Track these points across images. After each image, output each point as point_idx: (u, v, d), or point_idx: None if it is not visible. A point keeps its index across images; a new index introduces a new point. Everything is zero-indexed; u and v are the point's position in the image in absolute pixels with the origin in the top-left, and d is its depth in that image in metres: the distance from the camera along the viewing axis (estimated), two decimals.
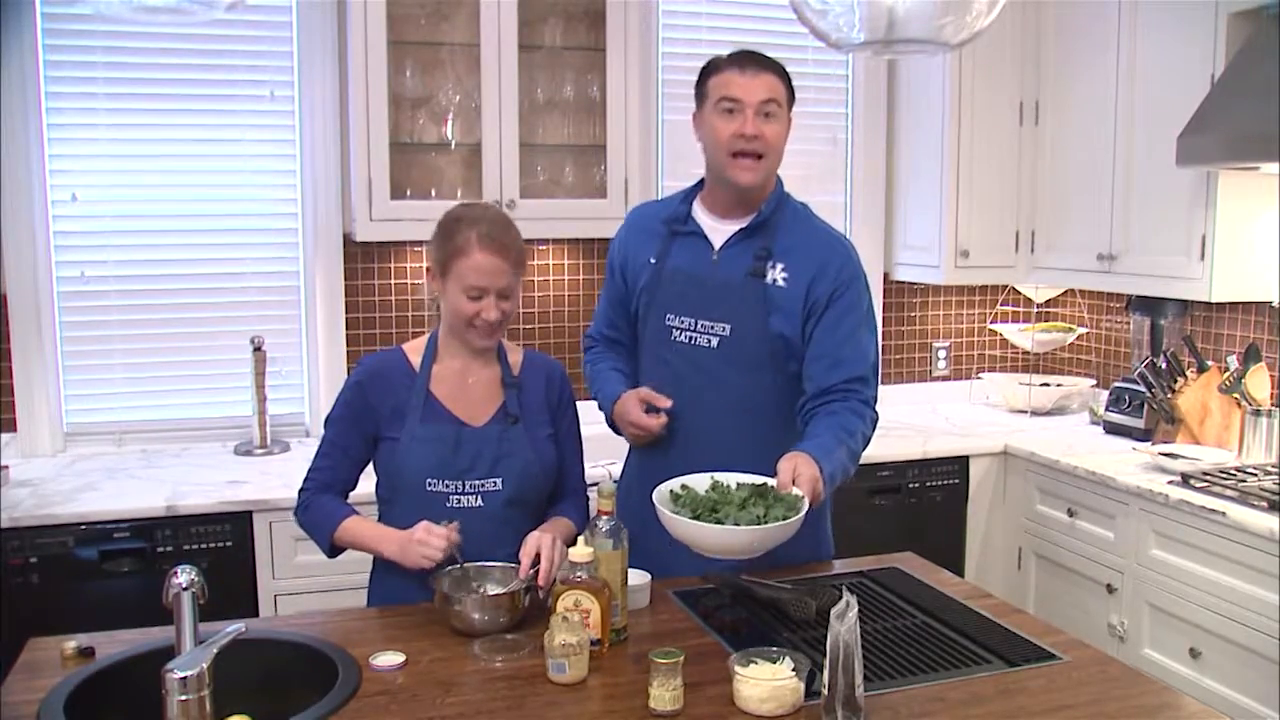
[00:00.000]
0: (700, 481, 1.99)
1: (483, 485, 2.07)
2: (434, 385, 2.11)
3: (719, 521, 1.85)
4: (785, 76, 2.18)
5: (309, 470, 2.14)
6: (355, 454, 2.13)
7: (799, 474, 1.93)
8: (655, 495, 1.95)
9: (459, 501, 2.06)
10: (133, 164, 3.32)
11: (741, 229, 2.22)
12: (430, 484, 2.06)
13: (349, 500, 2.15)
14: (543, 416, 2.16)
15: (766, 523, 1.84)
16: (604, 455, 2.65)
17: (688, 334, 2.22)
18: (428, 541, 1.95)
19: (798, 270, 2.18)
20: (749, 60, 2.15)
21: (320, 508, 2.11)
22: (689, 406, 2.23)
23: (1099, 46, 3.47)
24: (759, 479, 1.98)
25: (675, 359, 2.25)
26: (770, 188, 2.23)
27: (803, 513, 1.88)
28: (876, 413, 2.20)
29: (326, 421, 2.15)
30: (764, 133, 2.13)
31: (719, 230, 2.24)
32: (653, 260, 2.28)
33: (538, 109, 3.41)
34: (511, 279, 2.04)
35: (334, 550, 2.12)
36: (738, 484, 1.97)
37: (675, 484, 1.99)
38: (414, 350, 2.15)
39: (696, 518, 1.87)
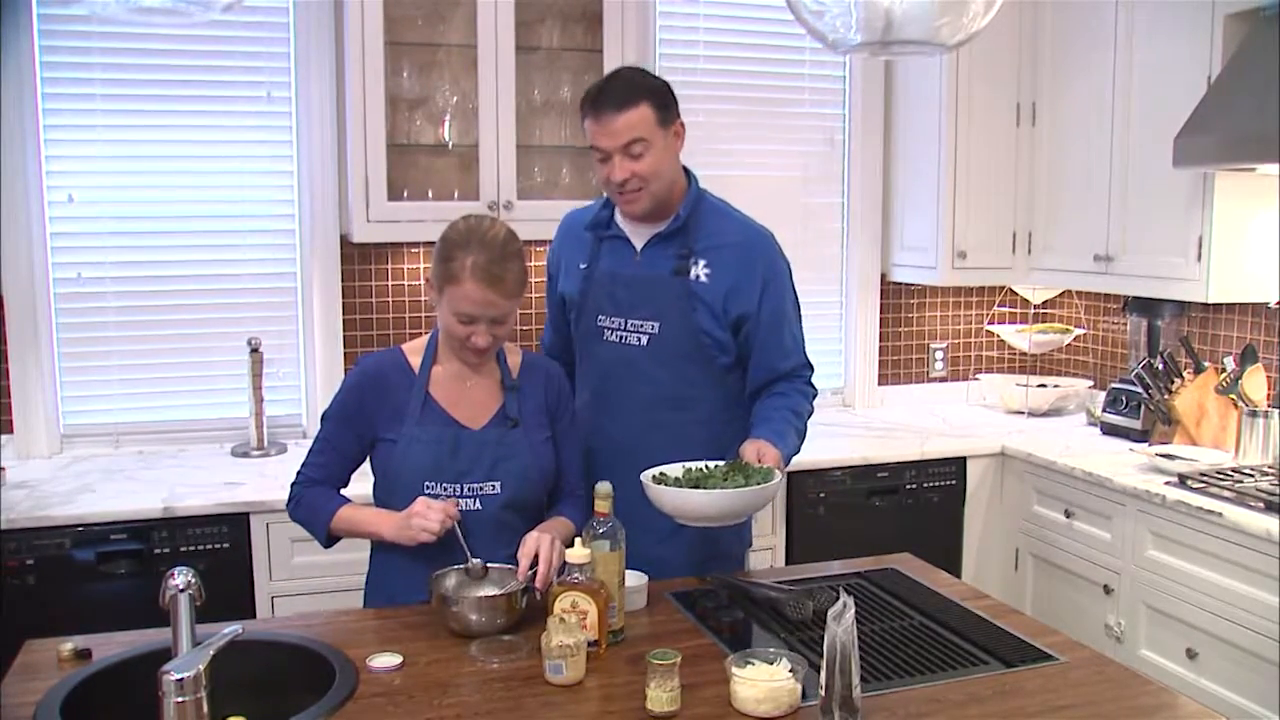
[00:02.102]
0: (674, 469, 2.10)
1: (481, 488, 2.07)
2: (433, 387, 2.10)
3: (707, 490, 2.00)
4: (651, 98, 2.17)
5: (302, 465, 2.15)
6: (349, 453, 2.13)
7: (763, 453, 2.09)
8: (641, 477, 2.03)
9: (457, 505, 2.06)
10: (130, 165, 3.32)
11: (660, 232, 2.28)
12: (428, 486, 2.05)
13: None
14: (541, 419, 2.16)
15: (750, 486, 2.00)
16: None
17: (618, 333, 2.30)
18: (426, 515, 1.95)
19: (719, 269, 2.26)
20: (604, 103, 2.16)
21: (314, 499, 2.11)
22: (620, 404, 2.32)
23: (1096, 47, 3.47)
24: (730, 460, 2.12)
25: (606, 357, 2.33)
26: (679, 192, 2.28)
27: (777, 480, 2.03)
28: (815, 388, 2.39)
29: (323, 417, 2.15)
30: (635, 170, 2.17)
31: (639, 233, 2.32)
32: (583, 265, 2.37)
33: (535, 110, 3.41)
34: (505, 308, 2.02)
35: (330, 540, 2.12)
36: (712, 465, 2.11)
37: (653, 471, 2.07)
38: (413, 351, 2.14)
39: None
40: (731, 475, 2.04)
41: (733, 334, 2.28)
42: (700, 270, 2.25)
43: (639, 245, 2.31)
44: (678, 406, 2.29)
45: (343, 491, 2.16)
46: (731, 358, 2.30)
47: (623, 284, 2.31)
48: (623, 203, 2.25)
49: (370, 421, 2.09)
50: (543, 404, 2.17)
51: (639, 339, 2.28)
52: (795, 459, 2.32)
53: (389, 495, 2.10)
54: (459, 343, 2.05)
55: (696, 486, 2.01)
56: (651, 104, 2.17)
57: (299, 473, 2.15)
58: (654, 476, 2.05)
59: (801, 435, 2.29)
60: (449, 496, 2.05)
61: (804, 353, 2.36)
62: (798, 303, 2.36)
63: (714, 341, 2.27)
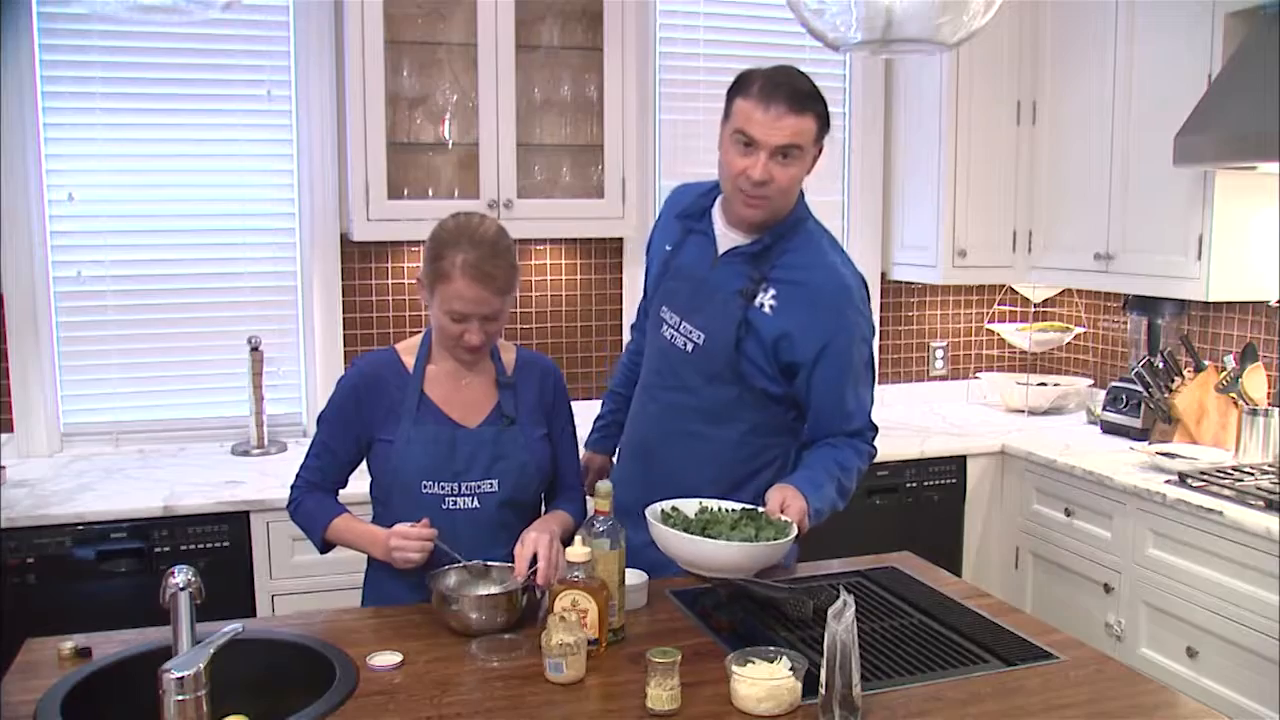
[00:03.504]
0: (689, 505, 2.03)
1: (479, 487, 2.07)
2: (428, 386, 2.10)
3: (712, 539, 1.90)
4: (819, 112, 2.02)
5: (300, 468, 2.15)
6: (345, 456, 2.13)
7: (788, 504, 1.98)
8: (647, 513, 1.97)
9: (454, 503, 2.06)
10: (130, 164, 3.32)
11: (743, 246, 2.16)
12: (425, 486, 2.05)
13: (341, 498, 2.15)
14: (537, 416, 2.16)
15: (758, 542, 1.90)
16: None
17: (671, 331, 2.22)
18: (404, 547, 1.94)
19: (785, 306, 2.11)
20: (776, 97, 1.98)
21: (311, 506, 2.11)
22: (656, 402, 2.27)
23: (1096, 46, 3.47)
24: (747, 506, 2.04)
25: (657, 352, 2.28)
26: (784, 212, 2.13)
27: (791, 536, 1.93)
28: (875, 448, 2.23)
29: (318, 420, 2.15)
30: (775, 176, 2.02)
31: (727, 237, 2.19)
32: (668, 249, 2.29)
33: (535, 109, 3.41)
34: (497, 305, 2.00)
35: (326, 546, 2.12)
36: (727, 508, 2.03)
37: (665, 505, 2.02)
38: (407, 350, 2.14)
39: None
40: (742, 525, 1.94)
41: (783, 375, 2.13)
42: (767, 299, 2.10)
43: (721, 249, 2.17)
44: (712, 421, 2.18)
45: (342, 491, 2.16)
46: (780, 389, 2.15)
47: (691, 283, 2.19)
48: (745, 203, 2.06)
49: (367, 423, 2.09)
50: (538, 401, 2.16)
51: (686, 344, 2.17)
52: None
53: (386, 495, 2.10)
54: (452, 341, 2.04)
55: (705, 530, 1.93)
56: (818, 119, 2.03)
57: (298, 475, 2.15)
58: (663, 511, 1.99)
59: (844, 494, 2.12)
60: (446, 496, 2.05)
61: (868, 416, 2.18)
62: (872, 365, 2.18)
63: (758, 371, 2.13)
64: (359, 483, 2.17)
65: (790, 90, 1.99)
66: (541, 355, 2.27)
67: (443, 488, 2.05)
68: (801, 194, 2.18)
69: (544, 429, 2.16)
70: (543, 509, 2.21)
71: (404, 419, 2.06)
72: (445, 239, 2.00)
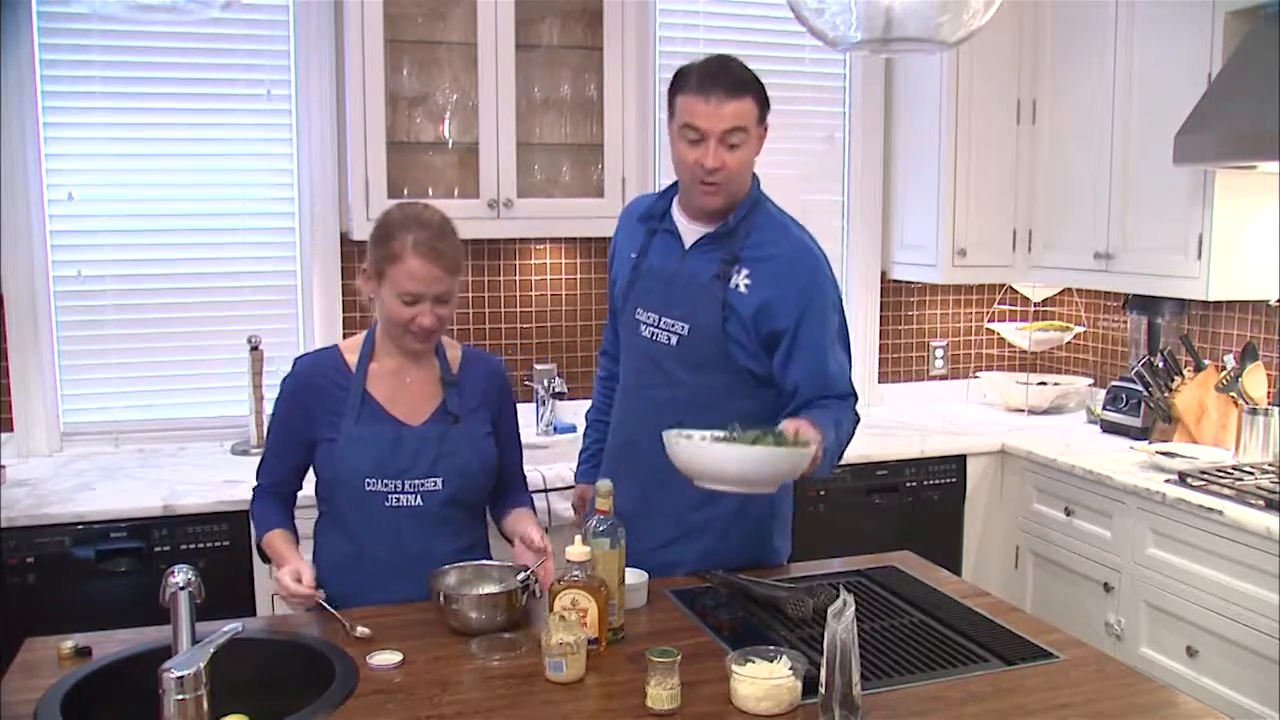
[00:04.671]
0: (701, 433, 1.97)
1: (422, 485, 2.07)
2: (371, 385, 2.10)
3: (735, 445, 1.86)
4: (756, 93, 2.11)
5: (258, 465, 2.18)
6: (290, 458, 2.14)
7: (802, 430, 1.93)
8: (664, 435, 1.93)
9: (398, 501, 2.06)
10: (129, 163, 3.32)
11: (710, 233, 2.21)
12: (369, 484, 2.05)
13: (298, 497, 2.20)
14: (483, 414, 2.16)
15: (779, 447, 1.85)
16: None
17: (650, 329, 2.24)
18: (286, 597, 1.95)
19: (760, 280, 2.15)
20: (714, 85, 2.06)
21: (259, 513, 2.14)
22: (642, 402, 2.27)
23: (1096, 45, 3.47)
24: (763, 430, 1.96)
25: (638, 352, 2.28)
26: (741, 195, 2.20)
27: (813, 449, 1.89)
28: (859, 415, 2.22)
29: (269, 420, 2.17)
30: (726, 162, 2.09)
31: (691, 230, 2.24)
32: (634, 255, 2.32)
33: (535, 108, 3.41)
34: (448, 285, 2.01)
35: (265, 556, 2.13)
36: (743, 430, 1.95)
37: (678, 432, 1.95)
38: (350, 349, 2.14)
39: None
40: (761, 440, 1.89)
41: (765, 350, 2.17)
42: (741, 279, 2.16)
43: (688, 243, 2.23)
44: (702, 413, 2.14)
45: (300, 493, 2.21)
46: (767, 369, 2.18)
47: (664, 280, 2.23)
48: (702, 193, 2.14)
49: (309, 424, 2.09)
50: (483, 399, 2.16)
51: (669, 338, 2.21)
52: None
53: (330, 494, 2.11)
54: (401, 328, 2.03)
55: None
56: (755, 99, 2.10)
57: (256, 472, 2.18)
58: (677, 435, 1.94)
59: (840, 447, 2.12)
60: (389, 494, 2.06)
61: (849, 381, 2.20)
62: (845, 329, 2.23)
63: (744, 351, 2.17)
64: (308, 483, 2.18)
65: (726, 79, 2.08)
66: (487, 353, 2.29)
67: (386, 485, 2.05)
68: (756, 178, 2.24)
69: (489, 427, 2.16)
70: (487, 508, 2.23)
71: (346, 418, 2.06)
72: (393, 224, 2.02)
